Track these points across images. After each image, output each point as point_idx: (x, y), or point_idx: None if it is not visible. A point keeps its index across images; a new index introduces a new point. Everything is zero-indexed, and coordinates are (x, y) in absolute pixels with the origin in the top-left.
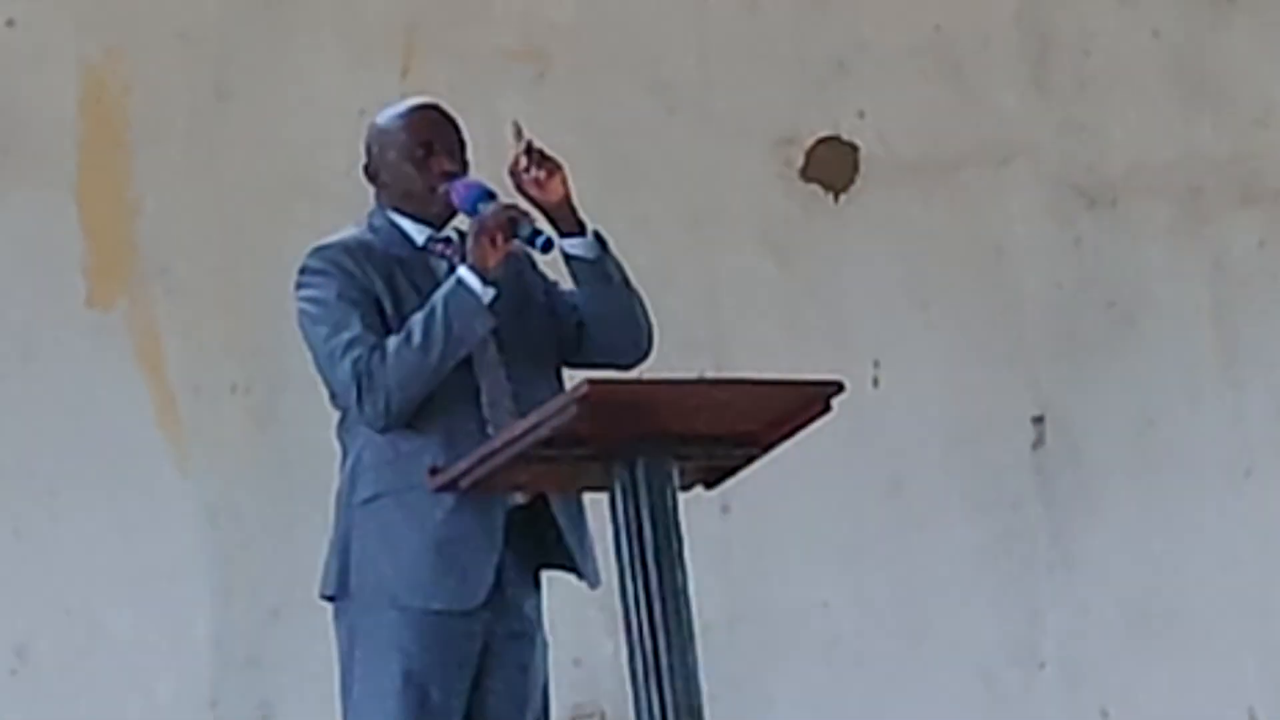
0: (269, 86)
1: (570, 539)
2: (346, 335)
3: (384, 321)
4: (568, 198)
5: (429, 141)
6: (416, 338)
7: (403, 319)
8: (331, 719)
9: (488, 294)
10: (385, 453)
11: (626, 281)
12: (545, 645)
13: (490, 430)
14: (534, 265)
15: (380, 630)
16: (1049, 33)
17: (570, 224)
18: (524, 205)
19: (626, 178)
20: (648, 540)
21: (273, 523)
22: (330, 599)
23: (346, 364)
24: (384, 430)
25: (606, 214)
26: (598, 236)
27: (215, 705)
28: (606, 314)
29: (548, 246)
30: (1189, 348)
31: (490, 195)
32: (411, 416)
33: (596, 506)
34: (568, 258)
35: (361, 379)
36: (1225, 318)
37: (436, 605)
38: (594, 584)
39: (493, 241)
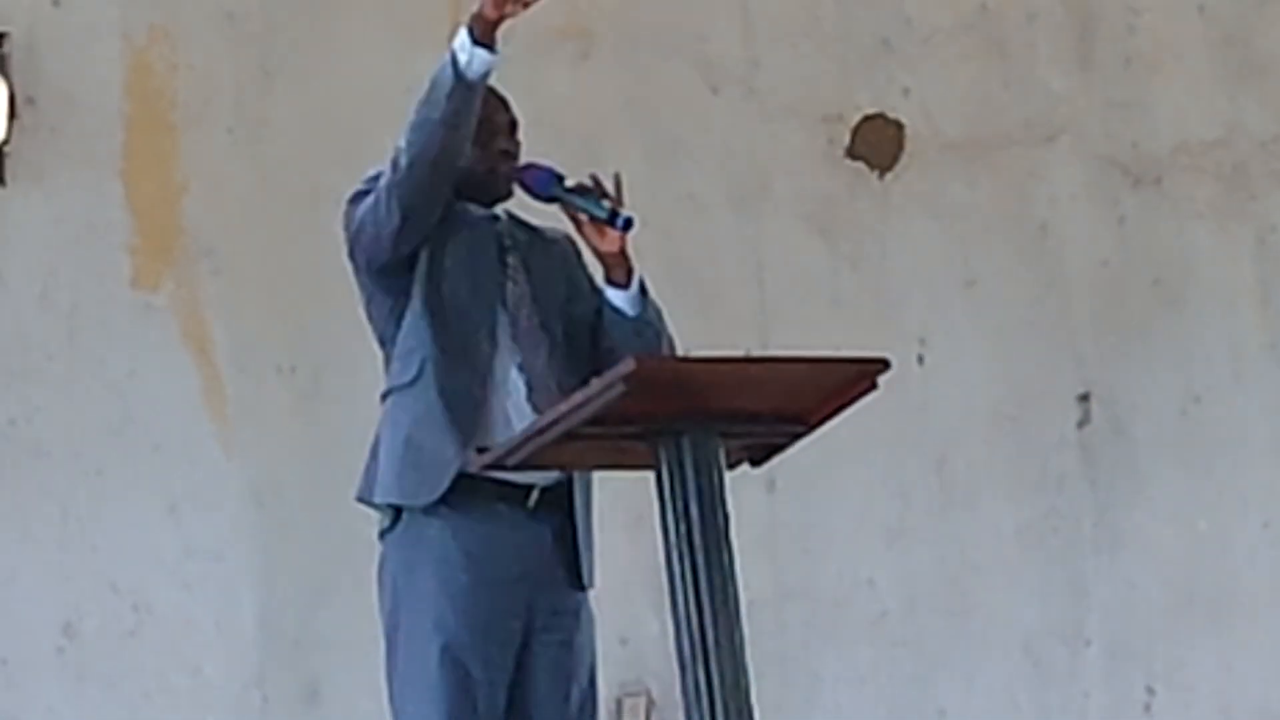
0: (314, 65)
1: (581, 530)
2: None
3: (413, 279)
4: (624, 249)
5: (485, 118)
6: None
7: (450, 253)
8: (376, 698)
9: (478, 55)
10: (398, 348)
11: (661, 327)
12: (591, 621)
13: (497, 403)
14: (584, 269)
15: (421, 606)
16: (1094, 10)
17: (621, 276)
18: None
19: (672, 156)
20: (694, 518)
21: (318, 502)
22: (359, 500)
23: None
24: (399, 237)
25: (652, 192)
26: (641, 289)
27: (261, 684)
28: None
29: (628, 225)
30: (1234, 325)
31: (560, 178)
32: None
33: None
34: (609, 306)
35: (379, 187)
36: (1270, 295)
37: (394, 499)
38: (590, 584)
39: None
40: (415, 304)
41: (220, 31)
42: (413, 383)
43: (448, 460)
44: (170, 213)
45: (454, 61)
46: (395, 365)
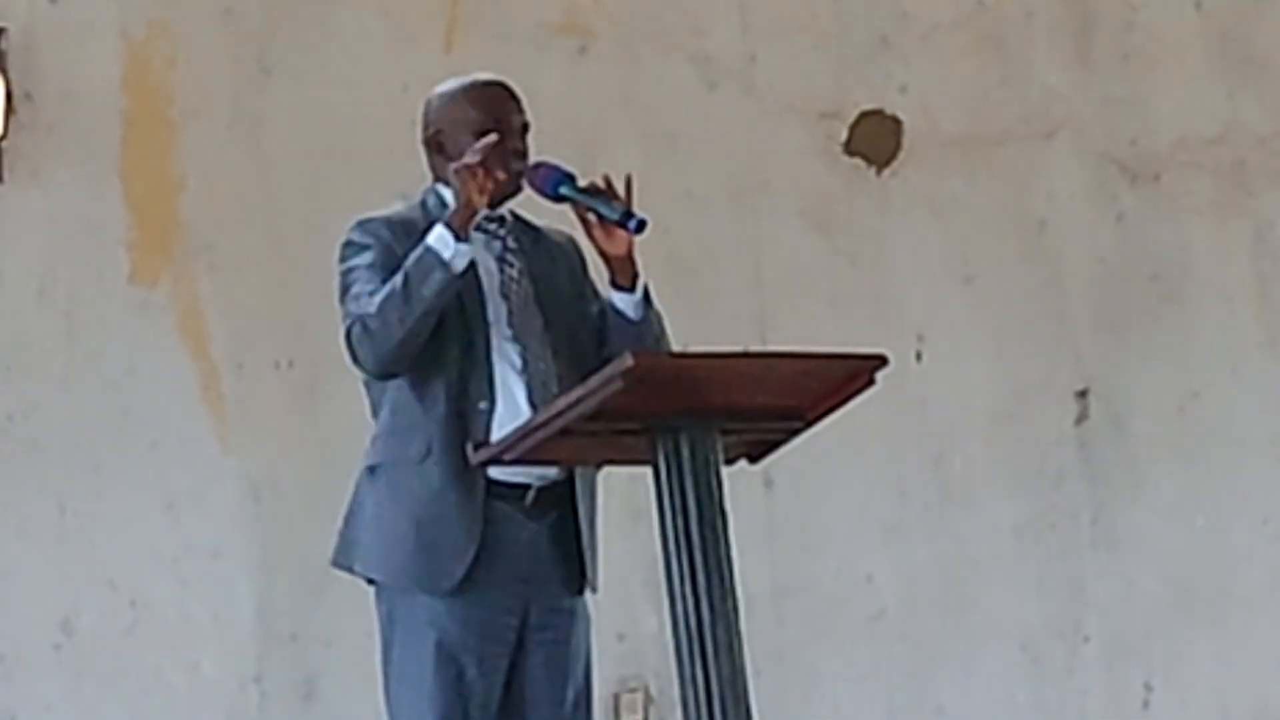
0: (312, 62)
1: (584, 531)
2: (362, 285)
3: None
4: (631, 253)
5: (501, 119)
6: (384, 293)
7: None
8: (373, 694)
9: (460, 251)
10: (390, 424)
11: (661, 334)
12: (587, 620)
13: (498, 423)
14: (587, 273)
15: (416, 607)
16: (1092, 7)
17: (626, 279)
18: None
19: (670, 152)
20: (692, 514)
21: (315, 498)
22: (334, 565)
23: (350, 312)
24: (377, 376)
25: (650, 188)
26: (645, 294)
27: (259, 680)
28: None
29: (641, 227)
30: (1232, 322)
31: (570, 177)
32: (416, 387)
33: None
34: (612, 308)
35: (353, 329)
36: (1268, 292)
37: (406, 584)
38: (594, 588)
39: (475, 185)
40: (408, 381)
41: (218, 28)
42: (420, 462)
43: (461, 552)
44: (168, 209)
45: (439, 260)
46: (391, 441)
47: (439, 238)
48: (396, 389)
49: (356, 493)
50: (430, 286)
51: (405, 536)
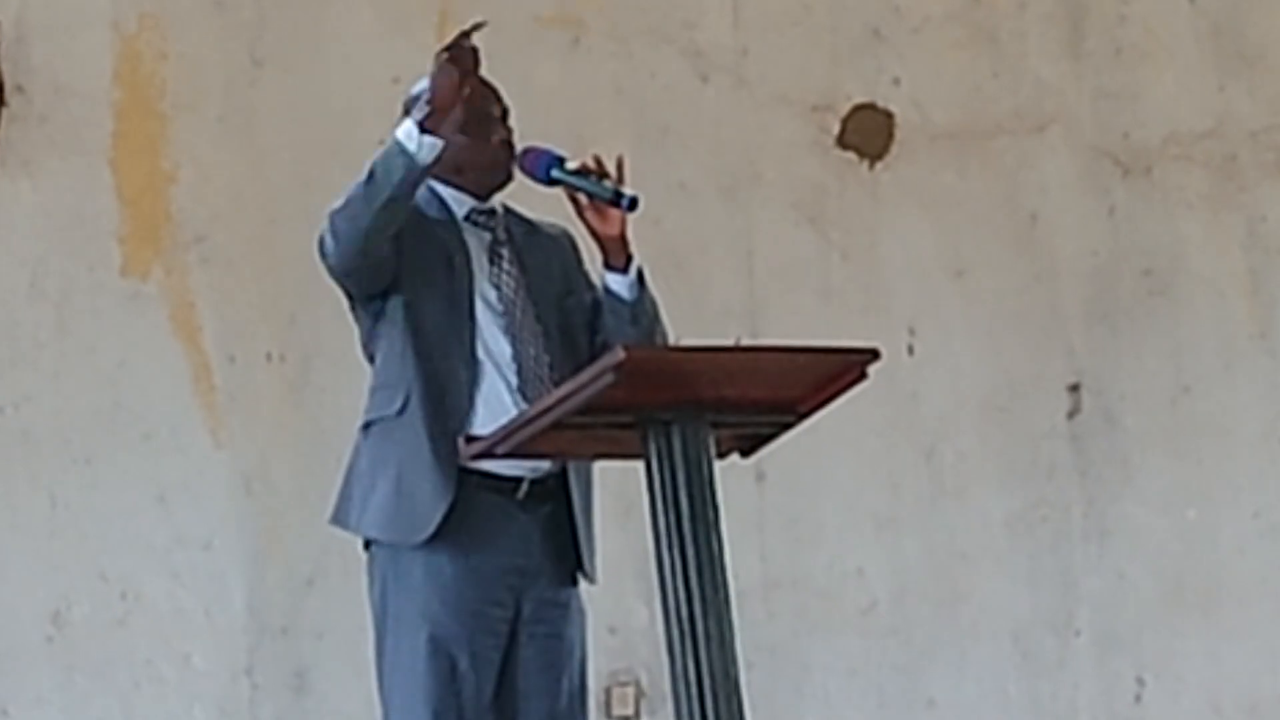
0: (304, 54)
1: (579, 523)
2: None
3: (399, 277)
4: (624, 234)
5: (482, 112)
6: (349, 188)
7: (423, 277)
8: (364, 687)
9: (426, 143)
10: (382, 377)
11: (656, 318)
12: (583, 613)
13: (481, 402)
14: (581, 266)
15: (409, 598)
16: (1084, 0)
17: (619, 260)
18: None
19: (662, 145)
20: (683, 508)
21: (307, 491)
22: (332, 522)
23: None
24: (341, 272)
25: (642, 181)
26: (640, 276)
27: (250, 672)
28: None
29: (633, 205)
30: (1224, 315)
31: (562, 160)
32: (401, 342)
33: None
34: (606, 290)
35: (323, 232)
36: (1260, 285)
37: (387, 537)
38: (592, 580)
39: (444, 90)
40: (394, 336)
41: (210, 20)
42: (398, 415)
43: (436, 501)
44: (160, 201)
45: (403, 150)
46: (378, 396)
47: (405, 131)
48: (387, 345)
49: (354, 450)
50: (394, 174)
51: (387, 488)
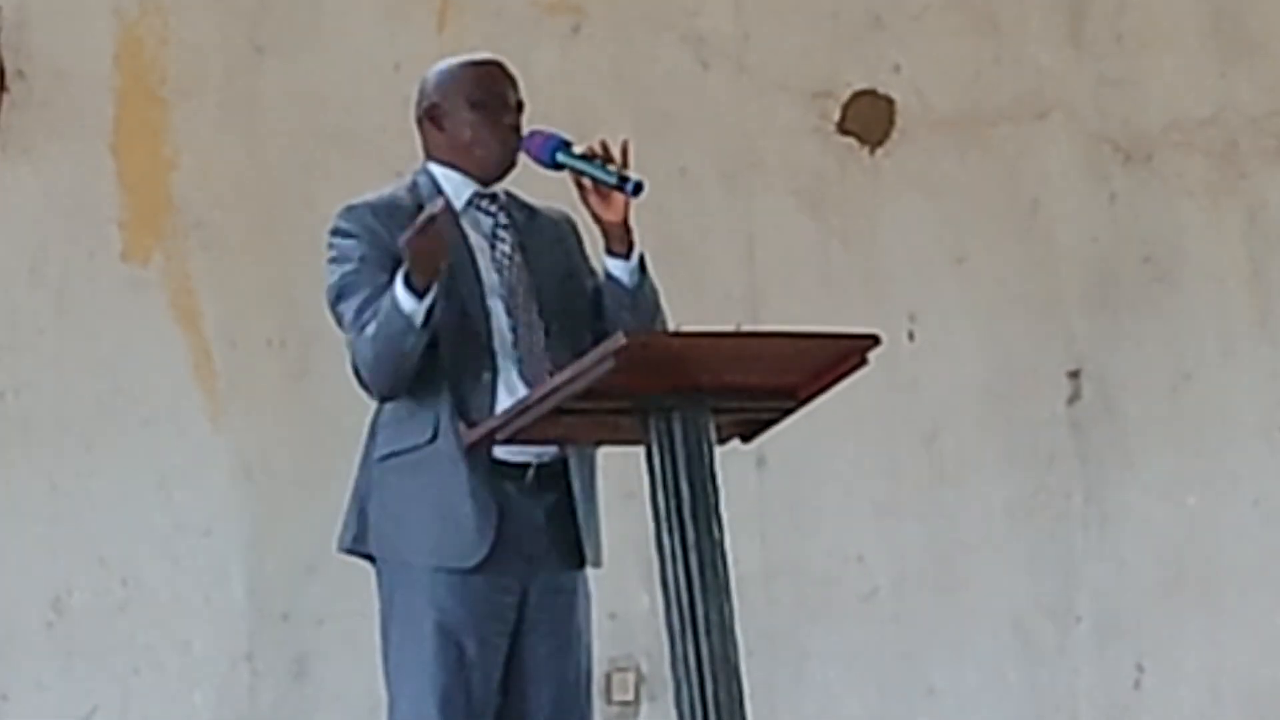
0: (305, 41)
1: (580, 507)
2: (355, 302)
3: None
4: (627, 219)
5: (497, 94)
6: (370, 350)
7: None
8: (366, 673)
9: (421, 308)
10: (400, 411)
11: (657, 305)
12: (588, 598)
13: (502, 393)
14: (583, 251)
15: (416, 587)
16: None
17: (622, 245)
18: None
19: (662, 131)
20: (684, 494)
21: (307, 477)
22: (347, 552)
23: (349, 338)
24: (381, 400)
25: (642, 167)
26: (641, 263)
27: (250, 659)
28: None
29: (638, 190)
30: (1224, 303)
31: (567, 144)
32: (417, 382)
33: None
34: (608, 276)
35: (358, 370)
36: (1261, 273)
37: (435, 563)
38: (596, 564)
39: (425, 248)
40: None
41: (211, 6)
42: (430, 442)
43: (486, 523)
44: (160, 187)
45: (410, 325)
46: (405, 427)
47: (404, 298)
48: None
49: (366, 481)
50: (407, 343)
51: (426, 517)
